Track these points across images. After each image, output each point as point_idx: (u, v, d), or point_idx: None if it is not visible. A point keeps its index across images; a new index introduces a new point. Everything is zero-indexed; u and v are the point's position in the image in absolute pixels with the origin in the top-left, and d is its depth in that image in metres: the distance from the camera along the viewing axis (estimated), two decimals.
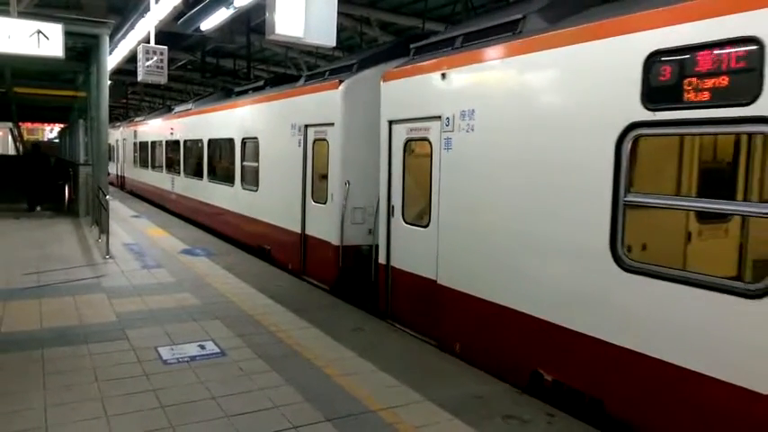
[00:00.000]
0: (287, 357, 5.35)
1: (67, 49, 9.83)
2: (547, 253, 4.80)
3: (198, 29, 11.52)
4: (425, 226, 6.36)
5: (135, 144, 23.54)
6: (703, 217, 4.41)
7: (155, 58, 11.42)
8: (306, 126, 9.14)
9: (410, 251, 6.67)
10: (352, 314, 6.86)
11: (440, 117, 6.06)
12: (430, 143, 6.28)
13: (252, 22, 15.44)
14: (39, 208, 16.00)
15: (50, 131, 51.12)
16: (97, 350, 5.36)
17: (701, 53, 3.63)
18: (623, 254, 4.14)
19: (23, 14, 9.82)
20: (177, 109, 18.53)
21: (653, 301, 3.92)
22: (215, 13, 10.24)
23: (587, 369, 4.43)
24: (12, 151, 40.04)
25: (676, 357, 3.77)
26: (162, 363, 5.12)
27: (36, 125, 46.68)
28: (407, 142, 6.73)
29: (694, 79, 3.66)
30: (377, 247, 7.35)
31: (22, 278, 8.03)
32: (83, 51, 12.91)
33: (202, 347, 5.54)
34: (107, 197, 10.90)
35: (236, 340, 5.77)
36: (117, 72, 18.57)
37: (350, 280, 8.07)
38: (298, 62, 19.05)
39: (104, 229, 10.38)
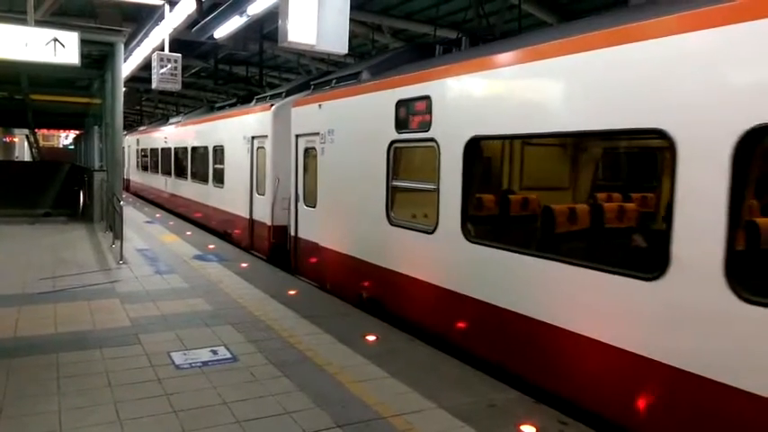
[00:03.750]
0: (298, 363, 5.35)
1: (83, 56, 9.97)
2: (367, 218, 7.61)
3: (211, 36, 11.62)
4: (314, 207, 9.17)
5: (137, 150, 26.29)
6: (421, 191, 6.71)
7: (169, 65, 11.57)
8: (252, 137, 12.03)
9: (306, 225, 9.56)
10: (364, 321, 6.86)
11: (319, 133, 8.89)
12: (315, 150, 9.04)
13: (265, 30, 15.56)
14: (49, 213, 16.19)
15: (66, 138, 51.76)
16: (111, 355, 5.40)
17: (413, 102, 6.66)
18: (390, 215, 7.12)
19: (40, 23, 9.98)
20: (171, 121, 21.80)
21: (402, 240, 6.94)
22: (229, 21, 10.33)
23: (379, 286, 7.45)
24: (27, 157, 40.59)
25: (408, 271, 6.81)
26: (174, 368, 5.15)
27: (52, 132, 47.33)
28: (305, 150, 9.54)
29: (412, 116, 6.68)
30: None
31: (38, 283, 8.11)
32: (98, 59, 13.08)
33: (215, 353, 5.56)
34: (121, 203, 11.00)
35: (248, 346, 5.79)
36: (131, 79, 18.77)
37: (279, 251, 10.79)
38: (309, 69, 19.14)
39: (118, 235, 10.47)
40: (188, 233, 13.82)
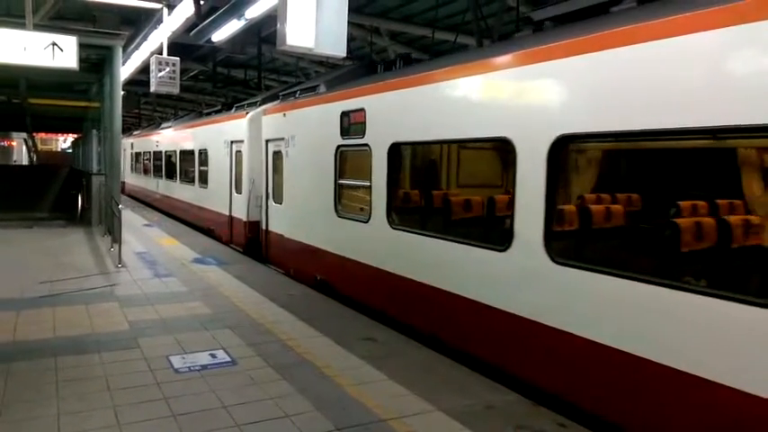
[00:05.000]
0: (297, 366, 5.35)
1: (81, 60, 9.96)
2: (319, 212, 8.80)
3: (210, 40, 11.64)
4: (280, 204, 10.47)
5: (132, 154, 27.28)
6: (358, 189, 7.90)
7: (167, 68, 11.56)
8: (231, 142, 13.11)
9: (274, 219, 10.86)
10: (362, 323, 6.86)
11: (284, 138, 10.15)
12: (282, 154, 10.25)
13: (263, 33, 15.59)
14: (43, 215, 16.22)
15: (64, 141, 51.74)
16: (109, 359, 5.40)
17: (353, 113, 7.84)
18: (337, 208, 8.34)
19: (38, 27, 9.97)
20: (162, 126, 22.80)
21: (345, 229, 8.12)
22: (227, 24, 10.34)
23: (329, 269, 8.65)
24: (26, 161, 40.57)
25: (350, 255, 7.97)
26: (173, 371, 5.15)
27: (50, 135, 47.31)
28: (274, 153, 10.75)
29: (352, 124, 7.85)
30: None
31: (36, 287, 8.11)
32: (96, 63, 13.08)
33: (213, 356, 5.56)
34: (119, 206, 11.00)
35: (246, 349, 5.78)
36: (130, 83, 18.79)
37: (253, 244, 11.92)
38: (308, 72, 19.17)
39: (117, 238, 10.47)
40: (186, 237, 13.81)
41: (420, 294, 6.50)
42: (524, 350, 5.12)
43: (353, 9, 8.07)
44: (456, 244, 5.98)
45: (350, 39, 6.84)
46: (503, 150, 5.47)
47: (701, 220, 4.43)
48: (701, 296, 3.72)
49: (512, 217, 5.17)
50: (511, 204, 5.20)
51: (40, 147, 40.04)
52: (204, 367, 5.27)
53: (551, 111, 4.80)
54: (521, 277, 5.12)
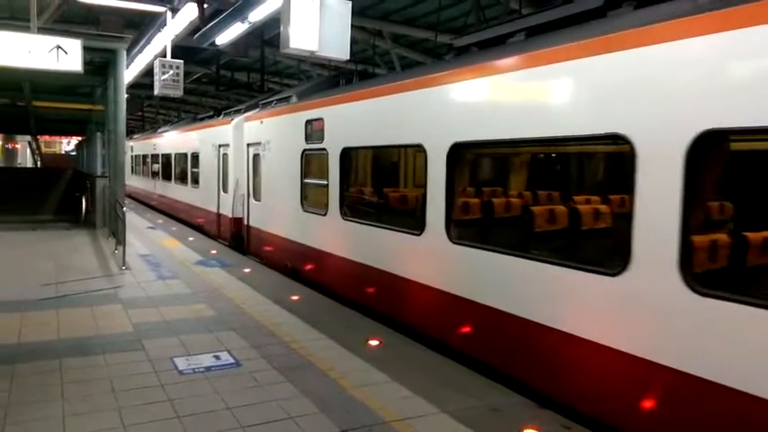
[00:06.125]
0: (301, 368, 5.36)
1: (86, 63, 9.98)
2: (289, 208, 10.03)
3: (213, 43, 11.67)
4: (259, 201, 11.71)
5: (132, 156, 28.47)
6: (319, 186, 8.98)
7: (171, 71, 11.61)
8: (219, 145, 14.32)
9: (254, 215, 12.07)
10: (366, 325, 6.86)
11: (261, 143, 11.44)
12: (260, 156, 11.50)
13: (266, 36, 15.62)
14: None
15: (68, 144, 51.87)
16: (114, 360, 5.42)
17: (315, 122, 9.04)
18: (303, 204, 9.57)
19: (43, 30, 10.02)
20: (160, 130, 24.46)
21: (309, 222, 9.36)
22: (230, 27, 10.37)
23: (296, 257, 9.90)
24: (30, 163, 40.66)
25: (313, 244, 9.24)
26: (178, 373, 5.16)
27: (54, 138, 47.44)
28: (254, 156, 11.98)
29: (314, 131, 9.01)
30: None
31: (40, 289, 8.13)
32: (101, 65, 13.11)
33: (217, 358, 5.57)
34: (123, 209, 11.03)
35: (250, 351, 5.79)
36: (134, 86, 18.82)
37: (238, 238, 13.04)
38: (311, 74, 19.19)
39: (121, 241, 10.50)
40: (190, 239, 13.84)
41: (366, 275, 7.71)
42: (415, 302, 6.80)
43: (356, 12, 8.09)
44: (386, 230, 7.32)
45: (352, 42, 6.85)
46: (422, 154, 6.54)
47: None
48: (549, 264, 4.87)
49: (424, 209, 6.47)
50: (425, 199, 6.46)
51: (43, 149, 40.16)
52: (208, 369, 5.28)
53: (450, 124, 6.12)
54: (433, 254, 6.40)
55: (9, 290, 8.02)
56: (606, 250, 4.87)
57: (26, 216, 15.84)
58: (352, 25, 6.60)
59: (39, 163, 34.03)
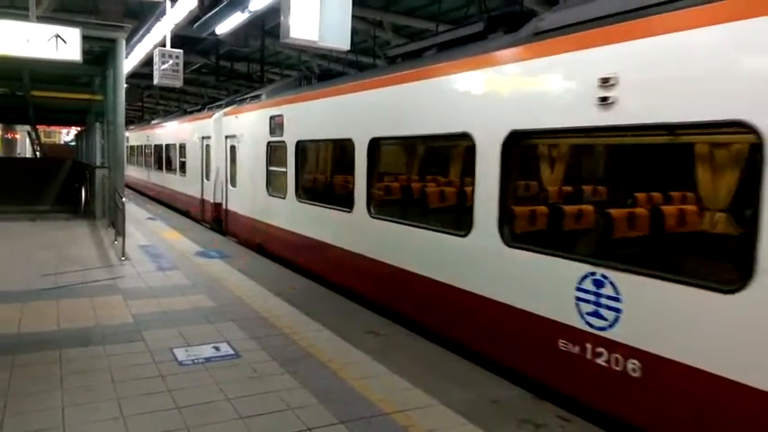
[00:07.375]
0: (301, 360, 5.37)
1: (85, 52, 9.91)
2: (258, 192, 11.43)
3: (213, 33, 11.62)
4: (235, 187, 12.99)
5: (127, 147, 28.88)
6: (281, 174, 10.39)
7: (170, 61, 11.55)
8: (203, 137, 15.71)
9: (231, 199, 13.38)
10: (366, 317, 6.87)
11: (236, 135, 12.78)
12: (236, 148, 12.79)
13: (266, 26, 15.55)
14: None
15: (67, 134, 51.74)
16: (114, 351, 5.42)
17: (277, 117, 10.45)
18: (268, 189, 10.93)
19: (42, 19, 9.95)
20: (153, 122, 26.18)
21: (273, 204, 10.71)
22: (230, 17, 10.32)
23: (264, 235, 11.20)
24: (29, 153, 40.61)
25: (276, 223, 10.62)
26: (177, 364, 5.16)
27: (53, 128, 47.32)
28: (231, 147, 13.23)
29: (276, 126, 10.44)
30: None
31: (40, 279, 8.14)
32: (100, 55, 13.06)
33: (217, 349, 5.58)
34: (123, 199, 11.01)
35: (250, 342, 5.80)
36: (133, 75, 18.75)
37: (218, 221, 14.34)
38: (311, 65, 19.11)
39: (120, 231, 10.49)
40: (189, 230, 13.83)
41: (315, 246, 9.04)
42: (362, 272, 7.82)
43: (357, 2, 8.03)
44: (329, 209, 8.69)
45: (353, 32, 6.80)
46: (352, 146, 7.84)
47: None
48: (437, 233, 6.30)
49: (353, 191, 7.82)
50: (354, 183, 7.78)
51: (43, 139, 40.08)
52: (208, 360, 5.28)
53: (370, 122, 7.53)
54: (359, 226, 7.77)
55: (9, 280, 8.02)
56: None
57: (25, 206, 15.82)
58: (352, 15, 6.54)
59: (38, 153, 34.00)
